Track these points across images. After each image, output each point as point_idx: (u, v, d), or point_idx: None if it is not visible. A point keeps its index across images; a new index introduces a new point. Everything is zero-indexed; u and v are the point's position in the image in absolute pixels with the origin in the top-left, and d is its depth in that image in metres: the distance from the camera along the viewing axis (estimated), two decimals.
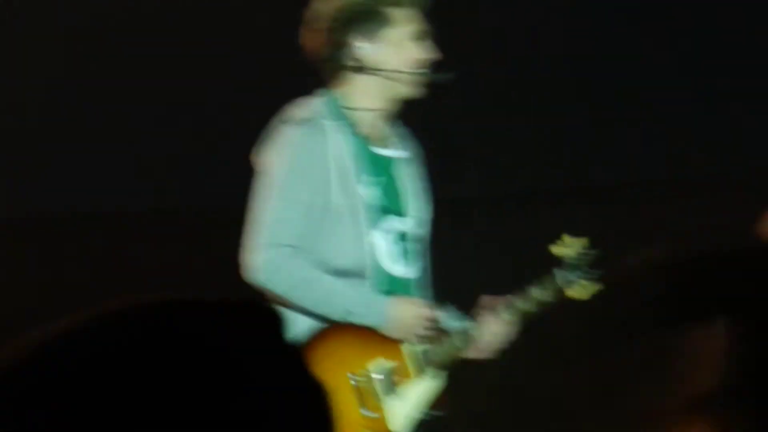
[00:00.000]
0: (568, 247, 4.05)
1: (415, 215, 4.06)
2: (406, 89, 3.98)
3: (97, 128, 6.86)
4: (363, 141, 3.98)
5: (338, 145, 3.90)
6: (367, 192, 3.93)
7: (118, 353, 1.15)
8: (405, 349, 3.92)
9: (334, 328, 3.86)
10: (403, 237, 4.02)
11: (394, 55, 3.96)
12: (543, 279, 4.03)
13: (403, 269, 3.99)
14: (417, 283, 4.05)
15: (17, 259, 6.42)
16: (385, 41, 3.95)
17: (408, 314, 3.89)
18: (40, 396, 1.11)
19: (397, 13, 3.96)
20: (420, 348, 3.93)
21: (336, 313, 3.84)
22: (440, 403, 3.97)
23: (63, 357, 1.15)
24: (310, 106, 3.97)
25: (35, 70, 6.83)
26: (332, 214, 3.86)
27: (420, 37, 3.98)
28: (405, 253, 4.01)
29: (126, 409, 1.12)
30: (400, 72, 3.94)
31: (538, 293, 4.01)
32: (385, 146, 4.04)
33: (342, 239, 3.86)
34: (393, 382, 3.88)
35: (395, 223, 4.00)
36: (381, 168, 4.00)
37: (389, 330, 3.87)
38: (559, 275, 4.03)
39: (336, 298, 3.83)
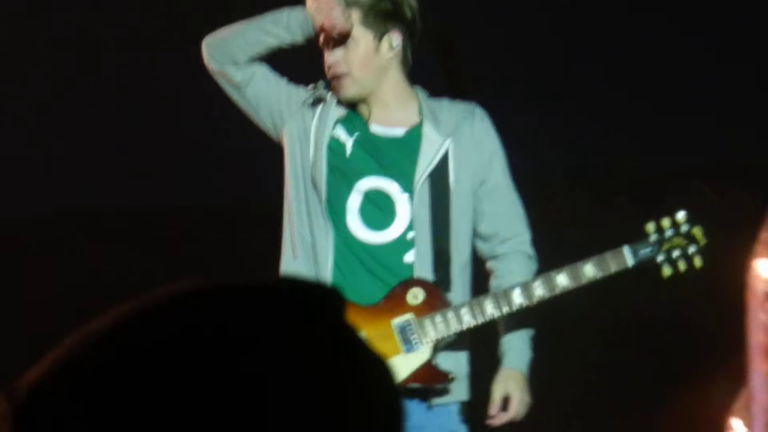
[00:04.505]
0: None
1: (403, 179, 3.98)
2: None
3: None
4: (357, 116, 4.04)
5: (328, 109, 4.01)
6: (342, 149, 3.97)
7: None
8: (394, 324, 3.90)
9: None
10: (383, 199, 3.97)
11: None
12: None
13: (376, 234, 3.95)
14: (395, 249, 3.96)
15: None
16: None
17: None
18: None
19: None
20: (411, 323, 3.90)
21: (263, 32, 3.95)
22: (423, 376, 3.91)
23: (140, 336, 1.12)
24: None
25: None
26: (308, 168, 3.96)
27: (324, 44, 3.97)
28: (384, 217, 3.96)
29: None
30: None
31: None
32: (385, 126, 4.04)
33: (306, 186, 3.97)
34: None
35: (375, 183, 3.96)
36: (369, 140, 4.00)
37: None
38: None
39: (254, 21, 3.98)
